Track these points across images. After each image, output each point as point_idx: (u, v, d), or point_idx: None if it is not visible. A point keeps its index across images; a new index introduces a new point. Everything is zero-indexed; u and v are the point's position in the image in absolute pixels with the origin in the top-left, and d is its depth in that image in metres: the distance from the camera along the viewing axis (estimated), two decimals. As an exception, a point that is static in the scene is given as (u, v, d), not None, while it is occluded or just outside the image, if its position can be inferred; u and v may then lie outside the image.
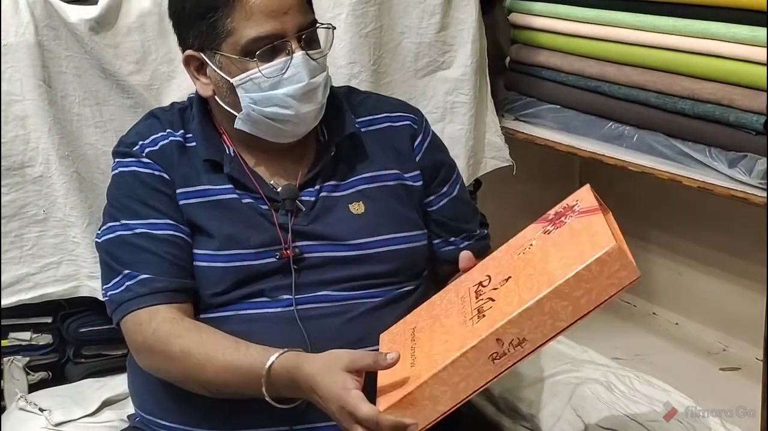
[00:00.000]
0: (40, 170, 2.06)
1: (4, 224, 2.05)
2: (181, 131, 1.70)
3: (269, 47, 1.58)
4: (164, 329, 1.54)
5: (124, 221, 1.64)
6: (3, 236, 2.05)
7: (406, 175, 1.75)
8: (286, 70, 1.59)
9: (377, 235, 1.68)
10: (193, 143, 1.69)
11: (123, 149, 1.71)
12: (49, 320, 2.20)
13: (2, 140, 2.01)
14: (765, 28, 1.94)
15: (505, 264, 1.46)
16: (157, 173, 1.66)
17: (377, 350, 1.49)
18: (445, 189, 1.82)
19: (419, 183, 1.76)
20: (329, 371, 1.38)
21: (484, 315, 1.37)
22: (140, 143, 1.69)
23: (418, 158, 1.78)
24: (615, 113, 2.38)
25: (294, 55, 1.59)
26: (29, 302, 2.12)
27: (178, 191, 1.65)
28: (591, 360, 2.13)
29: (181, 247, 1.63)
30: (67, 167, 2.07)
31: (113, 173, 1.71)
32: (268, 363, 1.43)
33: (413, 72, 2.42)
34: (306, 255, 1.64)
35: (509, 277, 1.41)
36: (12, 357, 2.17)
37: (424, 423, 1.35)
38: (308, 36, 1.61)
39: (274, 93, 1.60)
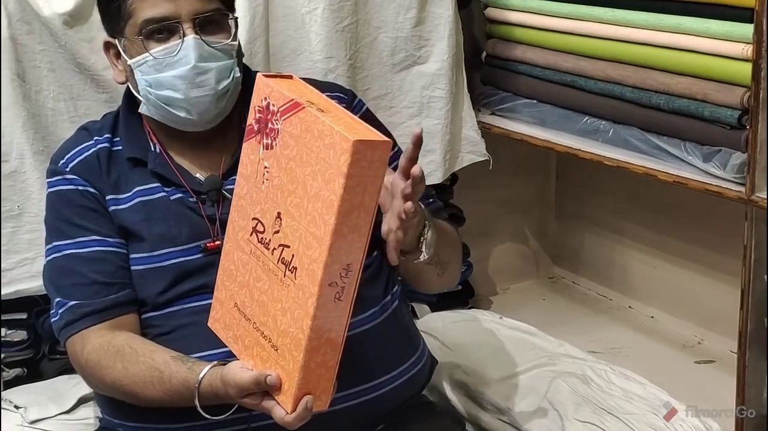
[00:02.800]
0: (14, 165, 2.05)
1: (-23, 220, 2.05)
2: (108, 136, 1.71)
3: (163, 30, 1.61)
4: (93, 359, 1.57)
5: (55, 244, 1.66)
6: (-23, 232, 2.05)
7: None
8: (177, 52, 1.60)
9: None
10: (120, 147, 1.71)
11: (51, 167, 1.72)
12: (23, 316, 2.19)
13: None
14: (737, 23, 1.95)
15: (260, 199, 1.40)
16: (81, 188, 1.67)
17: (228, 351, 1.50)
18: None
19: None
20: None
21: (295, 267, 1.33)
22: (66, 157, 1.71)
23: None
24: (591, 108, 2.39)
25: (185, 38, 1.60)
26: (4, 298, 2.10)
27: (108, 197, 1.66)
28: (567, 353, 2.14)
29: (110, 261, 1.64)
30: (41, 162, 2.05)
31: (46, 194, 1.73)
32: (197, 395, 1.44)
33: (390, 67, 2.42)
34: None
35: (279, 212, 1.36)
36: (-10, 353, 2.16)
37: (329, 384, 1.36)
38: (205, 22, 1.62)
39: (164, 75, 1.62)
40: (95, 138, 1.71)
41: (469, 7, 2.70)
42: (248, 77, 1.77)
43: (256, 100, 1.41)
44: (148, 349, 1.55)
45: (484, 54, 2.73)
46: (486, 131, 2.63)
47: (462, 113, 2.56)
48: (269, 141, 1.37)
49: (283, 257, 1.34)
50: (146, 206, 1.66)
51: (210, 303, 1.56)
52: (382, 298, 1.69)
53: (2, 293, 2.09)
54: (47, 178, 1.73)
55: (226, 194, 1.64)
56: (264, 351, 1.38)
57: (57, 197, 1.68)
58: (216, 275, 1.56)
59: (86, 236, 1.64)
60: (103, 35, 1.96)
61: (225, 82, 1.64)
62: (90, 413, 1.94)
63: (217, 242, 1.61)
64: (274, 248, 1.36)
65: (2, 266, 2.08)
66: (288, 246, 1.34)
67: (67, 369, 2.12)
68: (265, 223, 1.38)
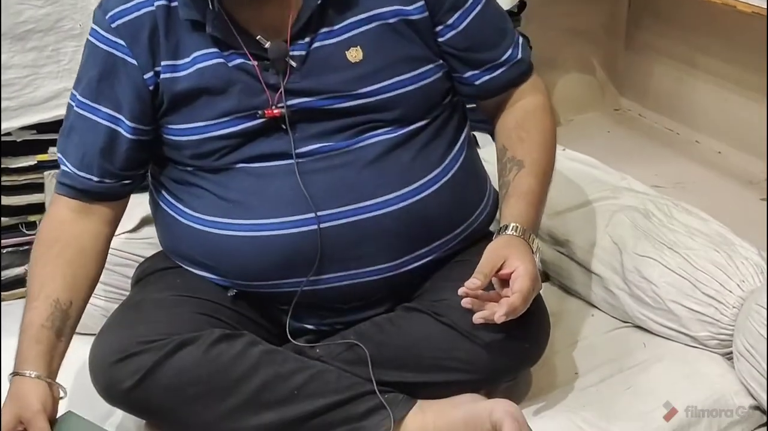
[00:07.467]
0: (74, -17, 2.04)
1: (39, 39, 2.05)
2: None
3: None
4: (43, 231, 1.61)
5: (79, 97, 1.59)
6: (39, 50, 2.06)
7: (407, 8, 1.57)
8: None
9: (380, 81, 1.56)
10: (177, 2, 1.55)
11: (98, 12, 1.58)
12: (87, 135, 2.22)
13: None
14: None
15: None
16: (119, 54, 1.55)
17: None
18: (451, 20, 1.61)
19: (425, 14, 1.59)
20: None
21: None
22: (117, 9, 1.55)
23: None
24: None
25: None
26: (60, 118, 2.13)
27: (163, 63, 1.54)
28: (629, 187, 2.11)
29: (118, 143, 1.58)
30: (101, -21, 2.04)
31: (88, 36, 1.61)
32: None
33: None
34: (301, 112, 1.55)
35: None
36: (52, 171, 2.20)
37: None
38: None
39: None
40: None
41: None
42: None
43: None
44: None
45: None
46: (557, -46, 2.55)
47: (532, -66, 2.48)
48: None
49: None
50: (203, 74, 1.55)
51: (275, 167, 1.54)
52: (446, 156, 1.63)
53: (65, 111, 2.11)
54: (93, 20, 1.59)
55: (292, 62, 1.55)
56: None
57: (92, 49, 1.58)
58: (276, 148, 1.54)
59: (106, 108, 1.57)
60: None
61: None
62: (153, 232, 1.97)
63: (276, 111, 1.54)
64: None
65: (65, 85, 2.10)
66: None
67: (131, 189, 2.16)
68: None
